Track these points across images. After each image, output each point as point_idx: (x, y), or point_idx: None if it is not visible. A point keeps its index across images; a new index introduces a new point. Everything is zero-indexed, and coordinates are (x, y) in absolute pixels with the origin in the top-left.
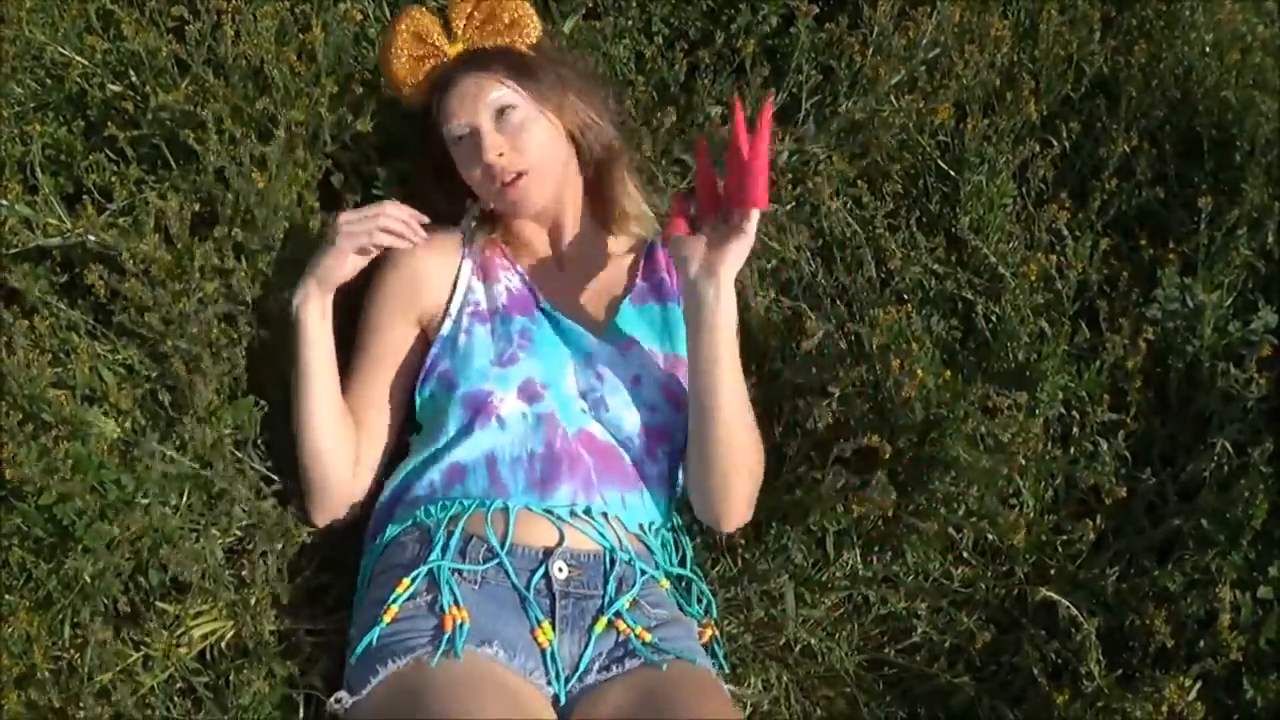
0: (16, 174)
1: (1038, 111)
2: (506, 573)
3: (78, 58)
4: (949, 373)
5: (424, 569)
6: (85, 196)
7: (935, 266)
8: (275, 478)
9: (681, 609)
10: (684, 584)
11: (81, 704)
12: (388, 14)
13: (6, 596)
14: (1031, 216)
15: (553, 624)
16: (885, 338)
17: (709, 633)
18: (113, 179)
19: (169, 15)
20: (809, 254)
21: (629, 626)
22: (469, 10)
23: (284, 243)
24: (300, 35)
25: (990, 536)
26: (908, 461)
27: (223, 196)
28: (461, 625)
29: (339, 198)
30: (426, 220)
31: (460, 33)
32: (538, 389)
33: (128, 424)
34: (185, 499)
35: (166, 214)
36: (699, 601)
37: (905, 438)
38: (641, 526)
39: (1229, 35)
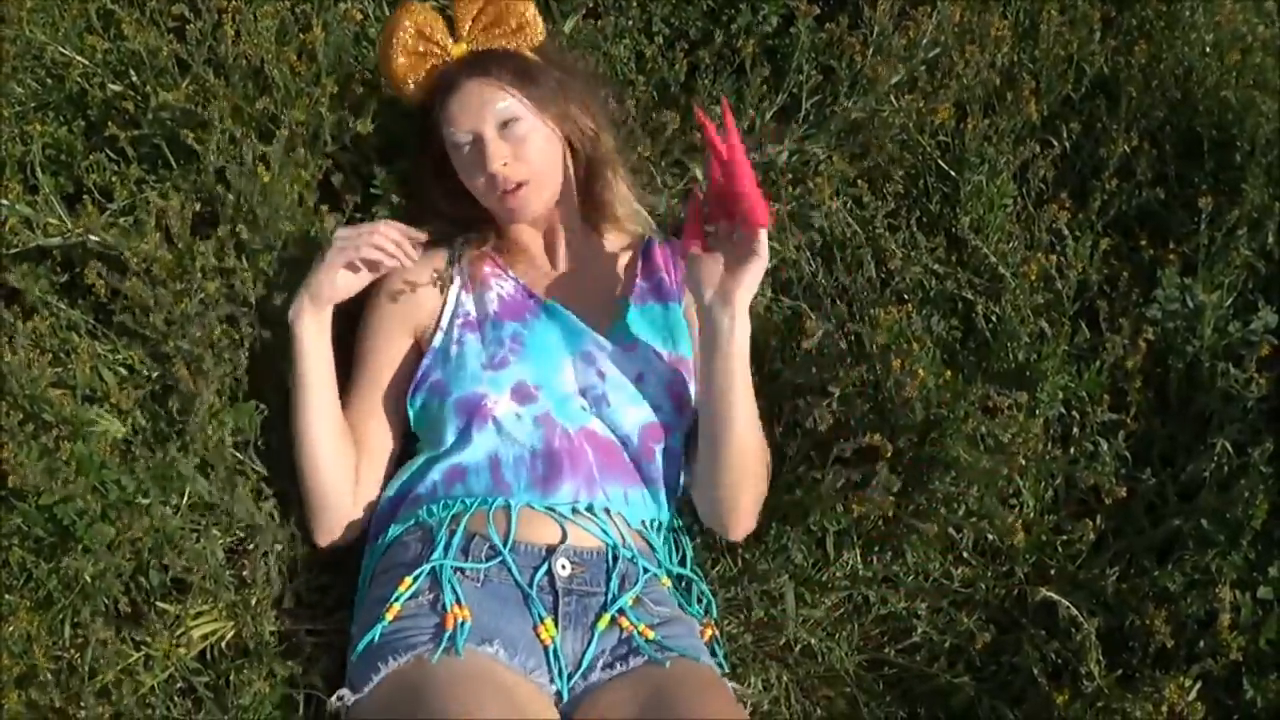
0: (17, 174)
1: (1038, 111)
2: (509, 570)
3: (78, 57)
4: (949, 373)
5: (426, 568)
6: (86, 196)
7: (935, 266)
8: (271, 486)
9: (682, 609)
10: (684, 584)
11: (82, 704)
12: (388, 14)
13: (7, 596)
14: (1032, 216)
15: (555, 621)
16: (885, 338)
17: (709, 633)
18: (113, 179)
19: (169, 15)
20: (809, 254)
21: (632, 624)
22: (475, 11)
23: (285, 242)
24: (301, 35)
25: (990, 536)
26: (908, 461)
27: (223, 196)
28: (463, 624)
29: (339, 198)
30: (423, 239)
31: (465, 33)
32: (530, 391)
33: (129, 424)
34: (185, 499)
35: (167, 213)
36: (699, 601)
37: (905, 438)
38: (644, 523)
39: (1229, 35)
